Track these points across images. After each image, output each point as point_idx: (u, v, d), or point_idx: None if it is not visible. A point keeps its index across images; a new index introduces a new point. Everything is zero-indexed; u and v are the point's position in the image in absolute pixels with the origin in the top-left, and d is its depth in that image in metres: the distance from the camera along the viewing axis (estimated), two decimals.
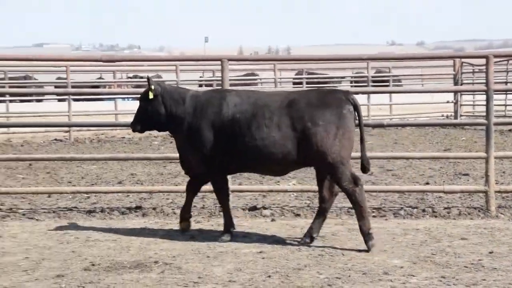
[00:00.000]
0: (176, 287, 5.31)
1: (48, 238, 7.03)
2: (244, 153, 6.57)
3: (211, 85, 21.93)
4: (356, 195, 6.38)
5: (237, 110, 6.62)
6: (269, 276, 5.53)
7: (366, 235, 6.37)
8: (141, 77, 26.43)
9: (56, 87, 23.17)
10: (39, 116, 19.10)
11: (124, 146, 16.11)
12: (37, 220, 7.92)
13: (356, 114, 6.52)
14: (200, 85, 23.26)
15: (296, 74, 26.81)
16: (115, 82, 21.18)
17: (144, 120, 6.99)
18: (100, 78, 27.09)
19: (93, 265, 5.93)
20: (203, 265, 5.92)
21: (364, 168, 6.65)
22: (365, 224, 6.39)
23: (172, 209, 8.37)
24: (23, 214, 8.20)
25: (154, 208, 8.41)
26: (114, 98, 20.59)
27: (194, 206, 8.55)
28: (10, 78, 20.74)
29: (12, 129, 17.95)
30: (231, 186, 8.55)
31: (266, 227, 7.52)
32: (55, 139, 17.72)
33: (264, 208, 8.43)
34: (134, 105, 25.18)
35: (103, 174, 11.55)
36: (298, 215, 8.14)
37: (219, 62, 8.49)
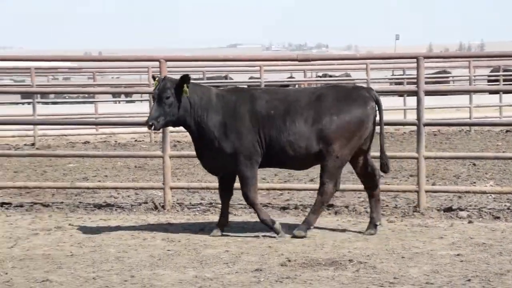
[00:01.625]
0: (372, 286, 5.28)
1: (246, 232, 7.26)
2: (277, 148, 6.83)
3: (401, 83, 21.58)
4: (327, 193, 6.98)
5: (270, 106, 6.85)
6: (469, 280, 5.34)
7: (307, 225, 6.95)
8: (330, 76, 26.62)
9: (248, 86, 23.98)
10: None
11: None
12: (234, 215, 8.20)
13: (377, 111, 6.90)
14: (390, 83, 22.99)
15: (492, 71, 25.67)
16: (305, 81, 21.45)
17: (165, 116, 6.86)
18: (291, 77, 27.60)
19: (289, 260, 6.05)
20: (398, 266, 5.84)
21: (385, 166, 7.04)
22: (311, 217, 6.97)
23: (365, 208, 8.33)
24: None
25: (346, 207, 8.42)
26: None
27: (386, 206, 8.47)
28: (208, 78, 21.71)
29: None
30: (426, 186, 8.37)
31: (463, 229, 7.27)
32: None
33: (460, 209, 8.16)
34: None
35: (295, 171, 11.73)
36: (497, 217, 7.80)
37: (410, 60, 8.34)
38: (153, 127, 6.85)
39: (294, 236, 6.93)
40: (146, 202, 8.85)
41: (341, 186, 9.21)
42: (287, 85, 24.33)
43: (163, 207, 8.54)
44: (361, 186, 9.15)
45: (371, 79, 18.78)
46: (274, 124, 6.86)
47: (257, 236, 7.02)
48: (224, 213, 7.24)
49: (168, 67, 8.67)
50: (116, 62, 21.57)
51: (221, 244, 6.75)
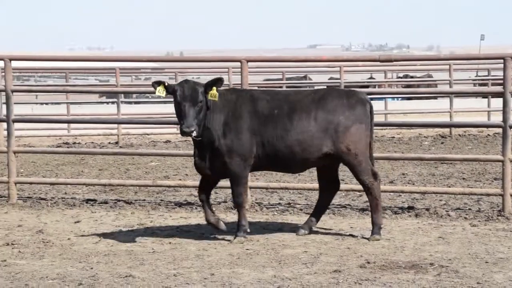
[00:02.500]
0: None
1: (324, 233, 7.23)
2: (278, 149, 6.77)
3: (486, 84, 21.07)
4: (375, 189, 6.90)
5: (271, 106, 6.78)
6: None
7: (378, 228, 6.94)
8: (412, 77, 26.21)
9: (327, 87, 23.88)
10: None
11: (394, 146, 16.06)
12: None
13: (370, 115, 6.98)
14: (474, 84, 22.47)
15: None
16: (386, 81, 21.19)
17: (197, 121, 6.55)
18: (371, 78, 27.34)
19: (368, 262, 5.99)
20: (482, 271, 5.69)
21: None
22: (377, 218, 6.93)
23: (446, 211, 8.16)
24: (301, 209, 8.53)
25: (427, 209, 8.27)
26: (384, 98, 20.63)
27: (469, 209, 8.29)
28: (287, 79, 21.74)
29: None
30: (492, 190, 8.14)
31: None
32: None
33: None
34: (404, 105, 24.81)
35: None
36: None
37: (495, 61, 8.13)
38: (194, 134, 6.52)
39: (373, 240, 6.86)
40: (225, 201, 8.93)
41: (422, 188, 9.13)
42: (367, 86, 24.11)
43: None
44: (442, 189, 9.03)
45: (454, 80, 18.40)
46: (278, 123, 6.80)
47: (337, 238, 6.99)
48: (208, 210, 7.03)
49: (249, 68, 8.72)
50: (197, 63, 21.88)
51: (300, 244, 6.74)
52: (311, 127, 6.83)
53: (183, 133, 6.48)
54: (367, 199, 9.03)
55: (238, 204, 6.94)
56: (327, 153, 6.87)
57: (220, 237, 7.05)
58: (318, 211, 7.30)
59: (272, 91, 7.40)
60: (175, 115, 6.75)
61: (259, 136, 6.78)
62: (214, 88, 6.62)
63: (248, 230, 6.95)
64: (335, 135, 6.85)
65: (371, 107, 7.04)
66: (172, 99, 6.72)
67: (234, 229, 7.01)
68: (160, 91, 6.66)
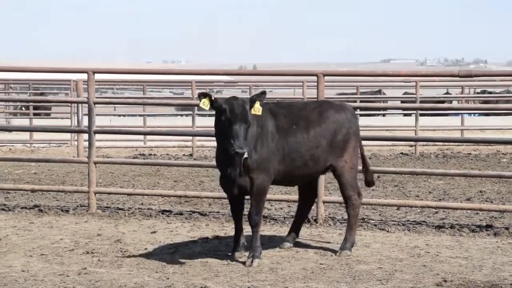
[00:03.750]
0: None
1: (399, 250, 7.15)
2: (295, 164, 6.71)
3: None
4: (358, 206, 7.04)
5: (289, 120, 6.73)
6: None
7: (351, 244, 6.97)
8: (490, 93, 25.64)
9: (402, 102, 23.61)
10: (386, 130, 19.59)
11: (471, 162, 15.73)
12: (387, 231, 8.10)
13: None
14: None
15: None
16: (463, 97, 20.80)
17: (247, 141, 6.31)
18: (447, 93, 26.88)
19: (445, 281, 5.90)
20: None
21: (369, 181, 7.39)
22: (351, 234, 6.99)
23: None
24: (375, 225, 8.46)
25: (506, 228, 8.07)
26: (460, 114, 20.26)
27: None
28: (361, 93, 21.60)
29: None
30: None
31: None
32: (401, 153, 17.99)
33: None
34: (481, 121, 24.35)
35: (450, 189, 11.42)
36: None
37: None
38: (245, 156, 6.30)
39: (344, 255, 6.85)
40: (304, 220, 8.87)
41: (502, 207, 8.90)
42: (443, 101, 23.73)
43: (315, 220, 8.58)
44: None
45: None
46: (297, 138, 6.74)
47: (412, 255, 6.90)
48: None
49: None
50: (271, 76, 21.99)
51: (374, 260, 6.69)
52: (322, 141, 6.86)
53: (236, 154, 6.18)
54: (441, 216, 8.97)
55: (256, 223, 6.60)
56: (330, 166, 6.97)
57: (294, 251, 7.06)
58: (299, 221, 7.34)
59: (285, 104, 7.29)
60: None
61: (281, 151, 6.68)
62: (258, 102, 6.47)
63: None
64: (337, 149, 6.93)
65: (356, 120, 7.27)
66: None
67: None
68: (205, 103, 6.39)
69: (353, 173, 7.01)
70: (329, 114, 6.97)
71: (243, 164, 6.44)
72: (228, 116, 6.24)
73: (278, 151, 6.65)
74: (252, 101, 6.45)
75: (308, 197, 7.39)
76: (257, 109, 6.45)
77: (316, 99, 7.87)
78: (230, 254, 6.80)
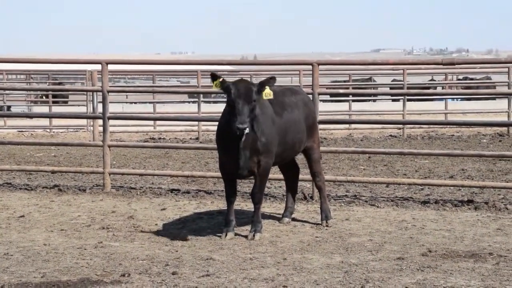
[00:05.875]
0: None
1: (388, 223, 7.17)
2: (286, 147, 6.72)
3: None
4: (324, 178, 7.39)
5: (280, 107, 6.70)
6: None
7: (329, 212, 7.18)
8: (471, 79, 25.59)
9: (391, 88, 23.58)
10: (376, 114, 19.58)
11: (454, 143, 15.74)
12: (377, 207, 8.12)
13: None
14: None
15: None
16: (446, 83, 20.78)
17: (249, 119, 6.17)
18: (432, 80, 26.82)
19: (430, 251, 5.92)
20: None
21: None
22: (327, 204, 7.25)
23: (505, 204, 7.97)
24: (366, 201, 8.47)
25: (486, 203, 8.09)
26: (444, 98, 20.23)
27: None
28: (353, 80, 21.56)
29: (353, 125, 18.64)
30: None
31: None
32: (390, 135, 17.99)
33: None
34: (463, 105, 24.39)
35: (435, 168, 11.43)
36: None
37: None
38: (247, 131, 6.08)
39: (328, 225, 7.03)
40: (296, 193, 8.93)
41: (481, 183, 8.91)
42: (428, 87, 23.67)
43: (311, 197, 8.60)
44: (501, 184, 8.81)
45: None
46: (289, 123, 6.74)
47: (400, 228, 6.92)
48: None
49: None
50: (271, 66, 21.95)
51: (365, 233, 6.71)
52: (303, 125, 6.95)
53: (237, 129, 5.99)
54: (426, 192, 8.98)
55: (259, 200, 6.57)
56: (305, 147, 7.09)
57: (292, 225, 7.09)
58: (292, 196, 7.35)
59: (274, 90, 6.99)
60: None
61: (279, 136, 6.60)
62: (267, 87, 6.32)
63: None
64: (309, 131, 7.07)
65: None
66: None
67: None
68: (217, 84, 6.28)
69: (319, 152, 7.30)
70: (304, 98, 7.19)
71: (252, 148, 6.32)
72: (232, 96, 6.13)
73: (278, 135, 6.62)
74: (261, 85, 6.30)
75: (292, 170, 7.40)
76: (268, 93, 6.31)
77: (289, 87, 7.67)
78: (220, 235, 6.58)
